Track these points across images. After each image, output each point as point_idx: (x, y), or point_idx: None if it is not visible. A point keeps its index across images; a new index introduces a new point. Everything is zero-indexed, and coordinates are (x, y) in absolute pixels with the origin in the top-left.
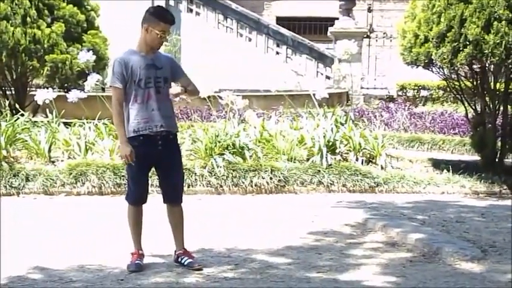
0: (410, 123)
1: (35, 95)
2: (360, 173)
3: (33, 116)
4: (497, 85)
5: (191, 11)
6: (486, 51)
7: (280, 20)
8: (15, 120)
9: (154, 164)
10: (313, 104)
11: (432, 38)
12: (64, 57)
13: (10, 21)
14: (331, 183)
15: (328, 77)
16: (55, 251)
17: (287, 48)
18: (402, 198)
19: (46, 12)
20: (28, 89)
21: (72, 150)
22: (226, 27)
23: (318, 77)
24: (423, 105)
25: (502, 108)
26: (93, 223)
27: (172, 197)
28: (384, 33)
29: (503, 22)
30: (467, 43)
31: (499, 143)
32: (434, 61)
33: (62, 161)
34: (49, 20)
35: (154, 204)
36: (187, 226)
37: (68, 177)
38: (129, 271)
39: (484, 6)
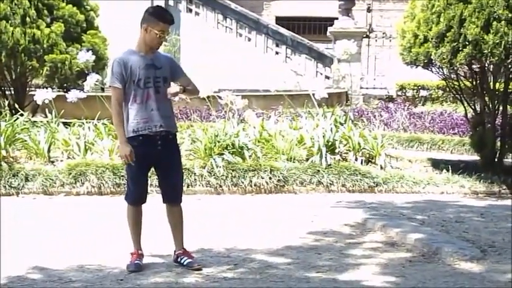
0: (409, 123)
1: (34, 95)
2: (359, 173)
3: (32, 116)
4: (497, 85)
5: (190, 10)
6: (485, 51)
7: (280, 20)
8: (15, 120)
9: (154, 164)
10: (313, 103)
11: (431, 38)
12: (63, 57)
13: (9, 21)
14: (330, 183)
15: (327, 77)
16: (54, 251)
17: (286, 48)
18: (401, 198)
19: (45, 12)
20: (27, 89)
21: (72, 150)
22: (226, 27)
23: (317, 76)
24: (422, 105)
25: (501, 108)
26: (93, 223)
27: (172, 197)
28: (383, 33)
29: (503, 22)
30: (467, 43)
31: (499, 143)
32: (433, 61)
33: (62, 161)
34: (48, 20)
35: (154, 204)
36: (187, 226)
37: (68, 177)
38: (128, 271)
39: (483, 6)
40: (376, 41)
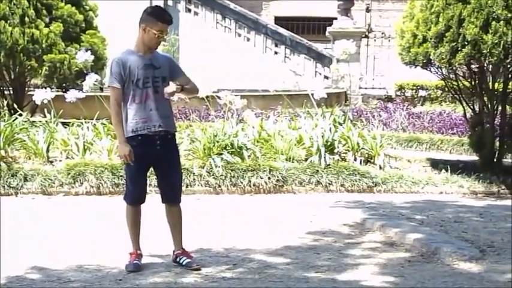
0: (408, 123)
1: (33, 94)
2: (358, 173)
3: (31, 116)
4: (496, 85)
5: (189, 10)
6: (484, 51)
7: (279, 20)
8: (14, 120)
9: (153, 163)
10: (312, 103)
11: (430, 38)
12: (62, 57)
13: (8, 21)
14: (329, 183)
15: (326, 77)
16: (53, 251)
17: (285, 48)
18: (400, 198)
19: (44, 12)
20: (26, 88)
21: (71, 150)
22: (225, 27)
23: (316, 76)
24: (421, 105)
25: (500, 108)
26: (92, 223)
27: (171, 196)
28: (382, 33)
29: (502, 22)
30: (466, 43)
31: (497, 143)
32: (432, 61)
33: (60, 161)
34: (47, 19)
35: (153, 204)
36: (186, 226)
37: (66, 177)
38: (127, 271)
39: (482, 6)
40: (375, 41)
